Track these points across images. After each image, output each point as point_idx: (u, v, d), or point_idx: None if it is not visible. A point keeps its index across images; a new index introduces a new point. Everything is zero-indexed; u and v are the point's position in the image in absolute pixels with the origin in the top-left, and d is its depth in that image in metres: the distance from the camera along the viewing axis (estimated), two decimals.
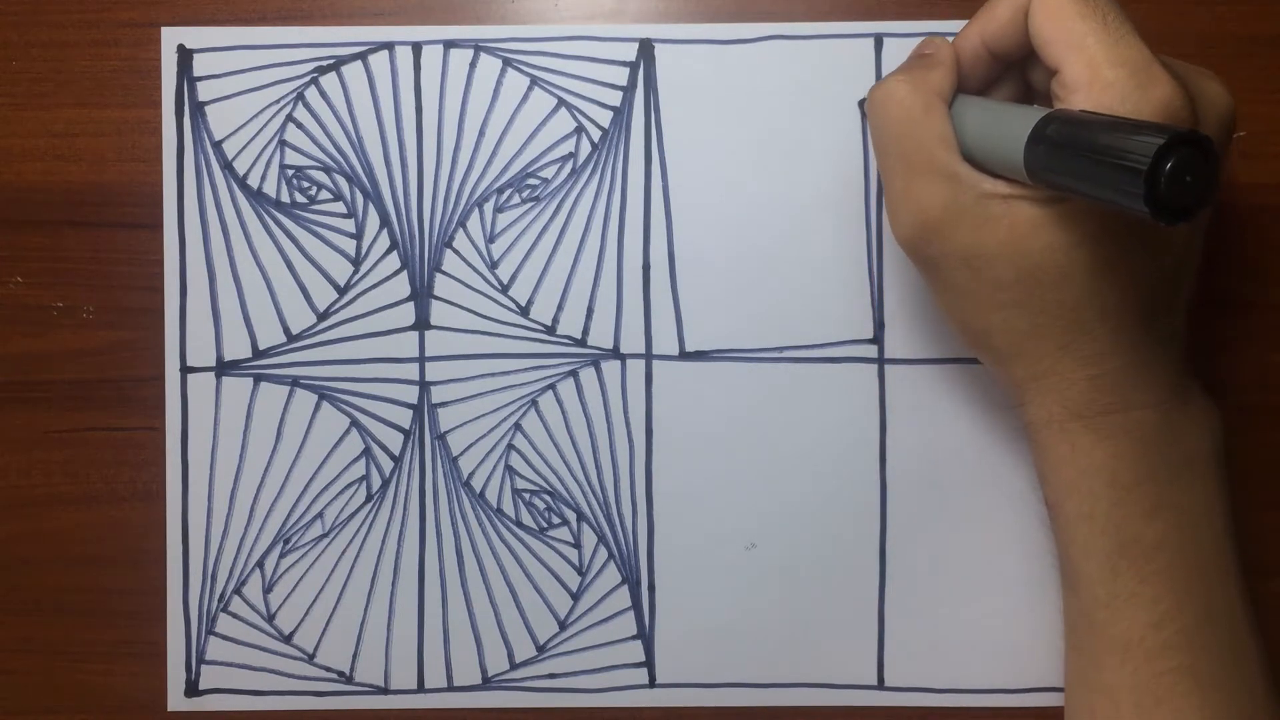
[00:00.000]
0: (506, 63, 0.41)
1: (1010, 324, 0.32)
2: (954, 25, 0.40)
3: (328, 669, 0.41)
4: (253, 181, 0.41)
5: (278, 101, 0.41)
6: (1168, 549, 0.33)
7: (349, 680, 0.41)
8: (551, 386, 0.41)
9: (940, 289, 0.34)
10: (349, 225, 0.41)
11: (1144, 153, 0.25)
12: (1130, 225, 0.31)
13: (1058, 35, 0.31)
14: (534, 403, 0.41)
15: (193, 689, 0.41)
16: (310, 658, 0.41)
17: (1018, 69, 0.35)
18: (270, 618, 0.41)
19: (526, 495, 0.41)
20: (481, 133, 0.41)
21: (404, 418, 0.41)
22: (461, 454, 0.41)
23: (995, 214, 0.31)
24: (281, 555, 0.41)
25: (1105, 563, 0.33)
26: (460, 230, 0.41)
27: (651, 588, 0.41)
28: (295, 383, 0.41)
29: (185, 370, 0.41)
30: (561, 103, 0.41)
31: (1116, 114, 0.29)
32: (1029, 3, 0.32)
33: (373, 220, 0.41)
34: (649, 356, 0.41)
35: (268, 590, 0.41)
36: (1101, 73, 0.30)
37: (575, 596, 0.41)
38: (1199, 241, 0.33)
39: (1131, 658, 0.33)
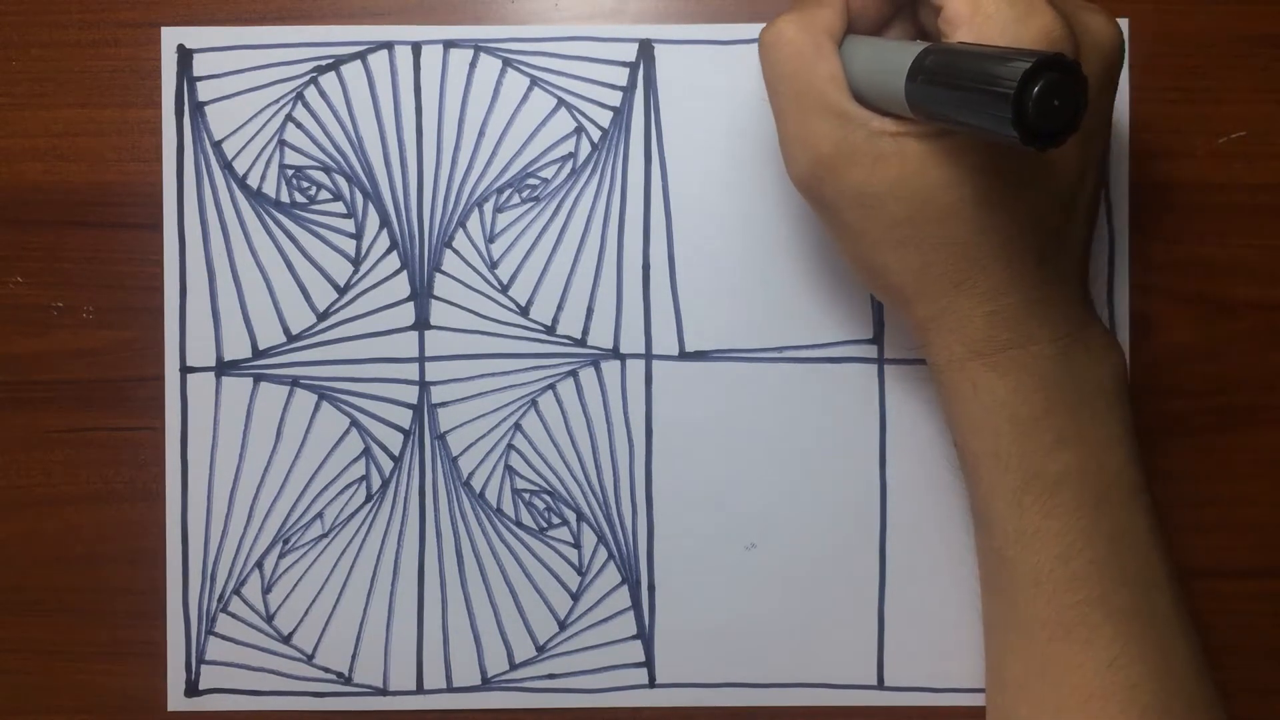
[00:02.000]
0: (506, 63, 0.41)
1: (906, 262, 0.33)
2: None
3: (327, 669, 0.41)
4: (252, 181, 0.41)
5: (277, 101, 0.41)
6: (1072, 482, 0.33)
7: (348, 681, 0.41)
8: (551, 386, 0.41)
9: (837, 231, 0.34)
10: (349, 225, 0.41)
11: (1011, 78, 0.25)
12: (1017, 159, 0.31)
13: None
14: (534, 403, 0.41)
15: (193, 689, 0.41)
16: (309, 658, 0.41)
17: (909, 9, 0.35)
18: (269, 618, 0.41)
19: (526, 495, 0.41)
20: (481, 133, 0.41)
21: (404, 418, 0.41)
22: (461, 454, 0.41)
23: (886, 151, 0.31)
24: (281, 555, 0.41)
25: (1011, 499, 0.33)
26: (460, 230, 0.41)
27: (651, 588, 0.41)
28: (295, 383, 0.41)
29: (185, 370, 0.41)
30: (561, 103, 0.41)
31: (996, 44, 0.29)
32: None
33: (372, 220, 0.41)
34: (649, 356, 0.41)
35: (267, 590, 0.41)
36: (982, 5, 0.30)
37: (575, 596, 0.41)
38: (1094, 178, 0.33)
39: (1042, 592, 0.33)
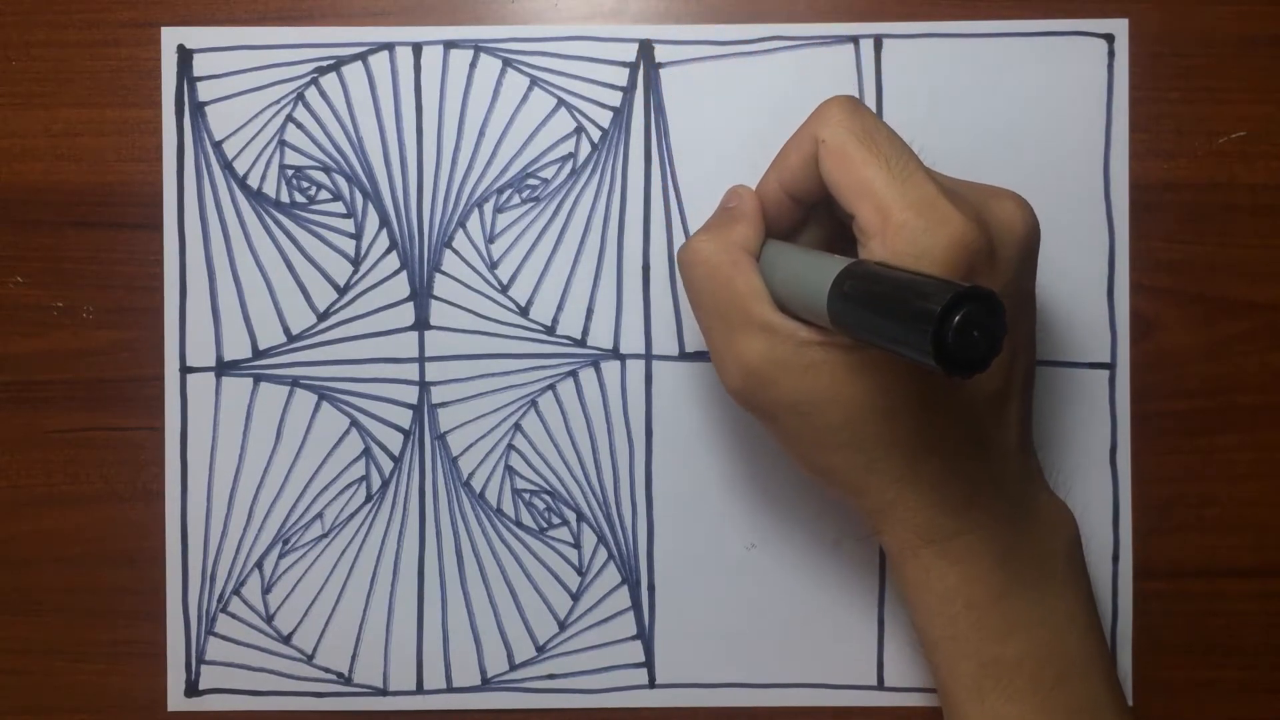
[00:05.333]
0: (506, 63, 0.41)
1: (849, 462, 0.33)
2: (955, 26, 0.40)
3: (327, 670, 0.41)
4: (253, 181, 0.41)
5: (278, 102, 0.41)
6: (1029, 664, 0.33)
7: (348, 681, 0.41)
8: (551, 387, 0.41)
9: (778, 435, 0.34)
10: (349, 225, 0.41)
11: (929, 313, 0.25)
12: None
13: (846, 182, 0.31)
14: (534, 403, 0.41)
15: (192, 689, 0.41)
16: (309, 658, 0.41)
17: (824, 208, 0.35)
18: (269, 618, 0.41)
19: (526, 495, 0.41)
20: (481, 133, 0.41)
21: (404, 418, 0.41)
22: (461, 454, 0.41)
23: (815, 360, 0.32)
24: (281, 555, 0.41)
25: (971, 684, 0.33)
26: (460, 230, 0.41)
27: (651, 588, 0.41)
28: (295, 383, 0.41)
29: (185, 370, 0.41)
30: (561, 103, 0.41)
31: (910, 256, 0.29)
32: (816, 150, 0.32)
33: (372, 220, 0.41)
34: (649, 357, 0.41)
35: (267, 591, 0.41)
36: (891, 216, 0.30)
37: (575, 597, 0.41)
38: (1024, 358, 0.34)
39: None
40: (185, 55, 0.41)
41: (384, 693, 0.41)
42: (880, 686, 0.41)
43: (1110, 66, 0.40)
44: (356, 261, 0.41)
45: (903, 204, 0.30)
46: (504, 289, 0.41)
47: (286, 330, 0.41)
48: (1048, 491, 0.35)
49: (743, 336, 0.33)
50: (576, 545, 0.41)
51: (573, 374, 0.41)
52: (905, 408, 0.31)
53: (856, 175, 0.31)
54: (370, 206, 0.41)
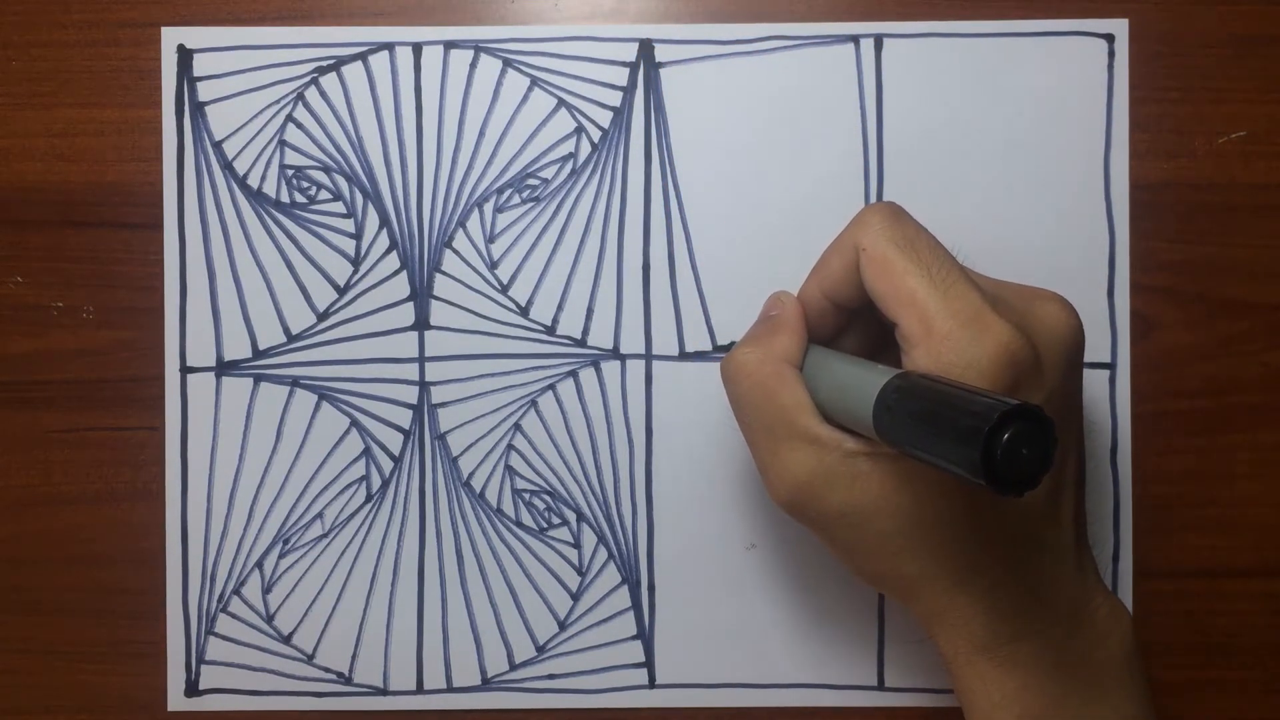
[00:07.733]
0: (506, 63, 0.41)
1: (901, 570, 0.32)
2: (955, 26, 0.40)
3: (327, 670, 0.41)
4: (253, 181, 0.41)
5: (278, 101, 0.41)
6: None
7: (348, 681, 0.41)
8: (551, 387, 0.41)
9: (829, 544, 0.34)
10: (349, 225, 0.41)
11: (977, 431, 0.24)
12: None
13: (888, 291, 0.31)
14: (534, 403, 0.41)
15: (193, 689, 0.41)
16: (309, 658, 0.41)
17: (865, 312, 0.35)
18: (269, 618, 0.41)
19: (526, 495, 0.41)
20: (481, 133, 0.41)
21: (404, 418, 0.41)
22: (461, 454, 0.41)
23: (864, 471, 0.31)
24: (281, 555, 0.41)
25: None
26: (460, 230, 0.41)
27: (651, 588, 0.41)
28: (295, 383, 0.41)
29: (185, 370, 0.41)
30: (561, 103, 0.41)
31: (956, 367, 0.29)
32: (858, 257, 0.32)
33: (372, 220, 0.41)
34: (649, 357, 0.41)
35: (267, 591, 0.41)
36: (935, 326, 0.30)
37: (575, 597, 0.41)
38: (1075, 458, 0.33)
39: None
40: (185, 55, 0.41)
41: (384, 693, 0.41)
42: (880, 687, 0.41)
43: (1110, 66, 0.40)
44: (356, 261, 0.41)
45: (946, 314, 0.30)
46: (504, 289, 0.41)
47: (286, 330, 0.41)
48: (1103, 592, 0.34)
49: (789, 449, 0.32)
50: (576, 545, 0.41)
51: (573, 374, 0.41)
52: (956, 515, 0.31)
53: (898, 284, 0.31)
54: (370, 206, 0.41)
